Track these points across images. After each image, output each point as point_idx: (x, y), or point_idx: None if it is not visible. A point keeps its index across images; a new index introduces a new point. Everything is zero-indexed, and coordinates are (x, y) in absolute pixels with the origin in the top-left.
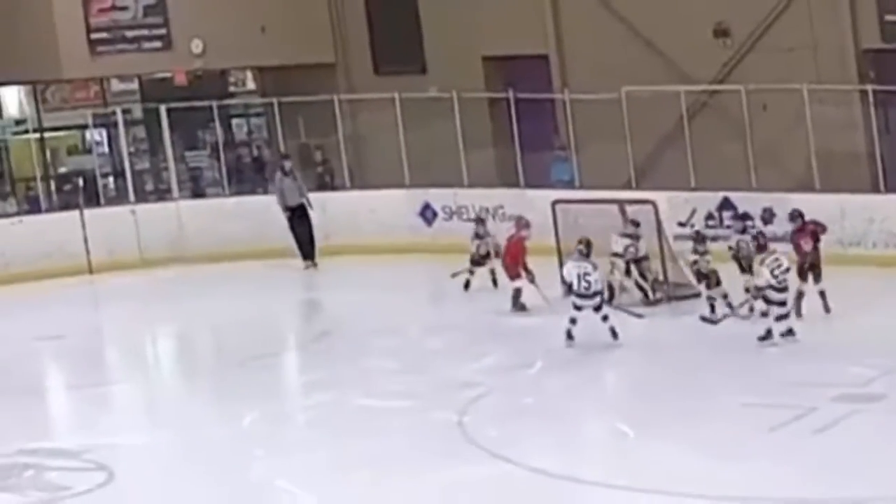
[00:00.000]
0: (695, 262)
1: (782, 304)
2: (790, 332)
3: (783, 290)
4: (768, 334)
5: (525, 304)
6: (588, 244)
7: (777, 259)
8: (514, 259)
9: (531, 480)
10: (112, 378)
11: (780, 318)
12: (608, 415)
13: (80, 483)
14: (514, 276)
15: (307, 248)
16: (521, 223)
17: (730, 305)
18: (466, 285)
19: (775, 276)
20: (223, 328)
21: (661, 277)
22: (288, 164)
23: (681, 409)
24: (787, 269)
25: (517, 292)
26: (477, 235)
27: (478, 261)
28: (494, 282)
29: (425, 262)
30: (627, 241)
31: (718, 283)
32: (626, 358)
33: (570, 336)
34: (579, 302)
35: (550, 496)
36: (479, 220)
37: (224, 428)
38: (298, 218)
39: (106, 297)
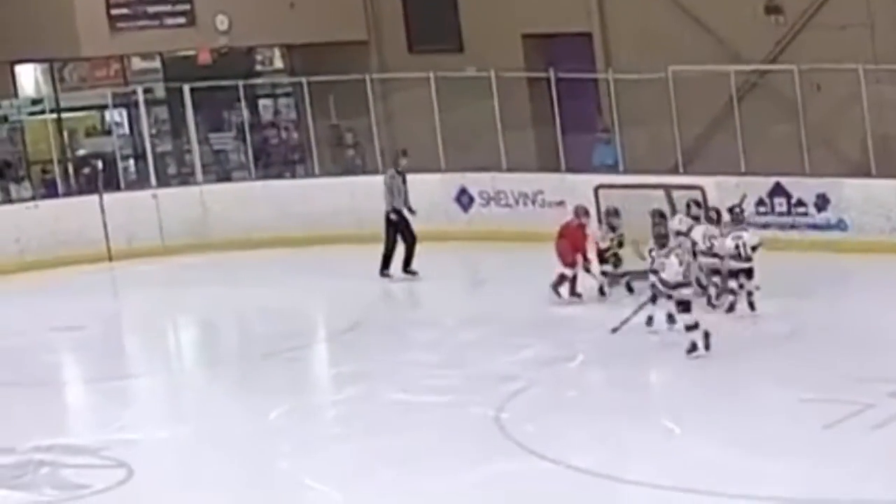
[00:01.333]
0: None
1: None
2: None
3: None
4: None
5: (580, 293)
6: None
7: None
8: (575, 245)
9: (571, 479)
10: (132, 371)
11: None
12: (653, 410)
13: (99, 481)
14: (570, 262)
15: (409, 256)
16: (581, 210)
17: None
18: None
19: (737, 248)
20: (248, 318)
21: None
22: (404, 162)
23: (730, 404)
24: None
25: (564, 279)
26: (612, 228)
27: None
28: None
29: (461, 250)
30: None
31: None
32: (672, 350)
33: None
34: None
35: (592, 496)
36: (615, 212)
37: (249, 423)
38: (406, 223)
39: (126, 285)
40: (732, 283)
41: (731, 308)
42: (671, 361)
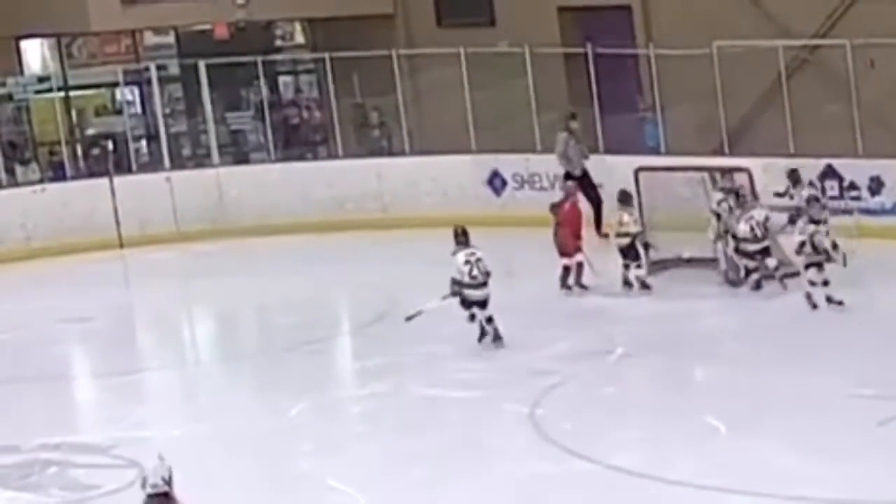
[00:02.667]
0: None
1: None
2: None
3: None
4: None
5: (587, 285)
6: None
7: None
8: (575, 231)
9: (610, 480)
10: (144, 365)
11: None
12: (697, 407)
13: (109, 481)
14: (574, 250)
15: (598, 218)
16: (572, 189)
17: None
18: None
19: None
20: (268, 309)
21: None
22: (574, 125)
23: (778, 400)
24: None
25: (569, 271)
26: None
27: None
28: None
29: (494, 236)
30: (720, 196)
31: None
32: (716, 343)
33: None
34: None
35: (632, 498)
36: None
37: (269, 421)
38: (586, 187)
39: (138, 274)
40: (748, 262)
41: (757, 286)
42: (715, 354)
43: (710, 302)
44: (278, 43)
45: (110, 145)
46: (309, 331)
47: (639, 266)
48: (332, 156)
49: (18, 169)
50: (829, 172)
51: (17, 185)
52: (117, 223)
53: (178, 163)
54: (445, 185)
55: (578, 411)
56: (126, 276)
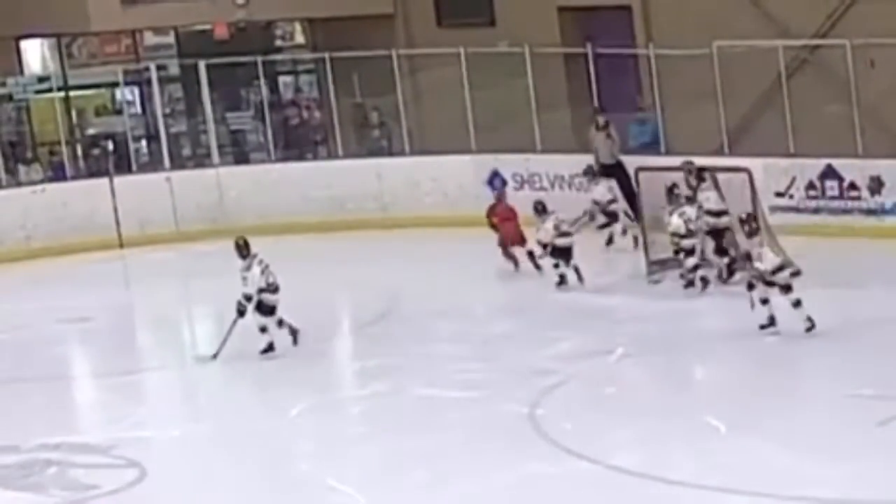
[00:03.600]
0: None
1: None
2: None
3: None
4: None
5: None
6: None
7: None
8: (515, 222)
9: (610, 480)
10: (144, 365)
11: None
12: (697, 407)
13: (109, 481)
14: (519, 241)
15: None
16: (502, 190)
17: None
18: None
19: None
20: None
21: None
22: (602, 119)
23: (779, 400)
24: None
25: (533, 253)
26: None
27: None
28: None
29: (493, 236)
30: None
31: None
32: (716, 343)
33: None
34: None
35: (633, 498)
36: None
37: (268, 421)
38: (623, 175)
39: (138, 273)
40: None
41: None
42: (715, 355)
43: (710, 302)
44: (278, 43)
45: (110, 145)
46: (308, 331)
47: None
48: (332, 156)
49: (21, 168)
50: (829, 173)
51: (17, 185)
52: (117, 223)
53: (178, 163)
54: (445, 185)
55: (578, 411)
56: (126, 275)
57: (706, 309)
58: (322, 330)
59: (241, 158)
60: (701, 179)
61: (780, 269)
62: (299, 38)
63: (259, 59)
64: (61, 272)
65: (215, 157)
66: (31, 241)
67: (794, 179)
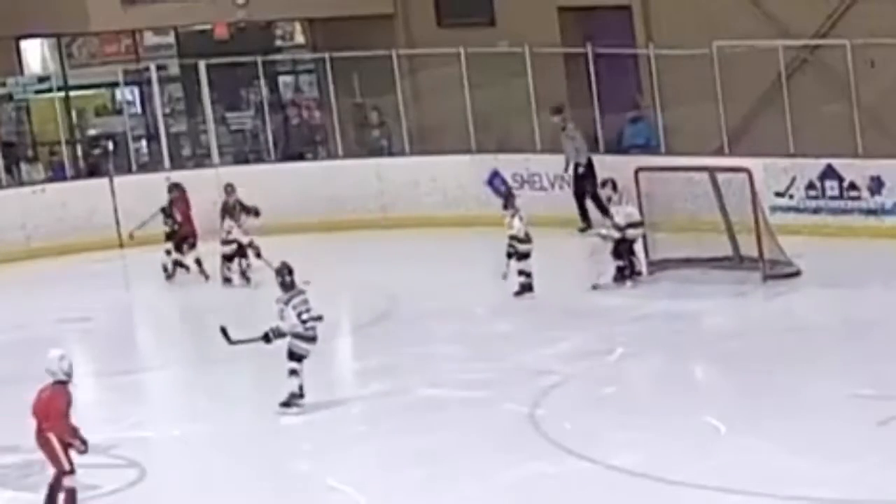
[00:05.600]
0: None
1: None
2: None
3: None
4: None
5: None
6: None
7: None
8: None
9: (610, 480)
10: (144, 365)
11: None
12: (697, 407)
13: (109, 482)
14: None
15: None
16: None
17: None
18: None
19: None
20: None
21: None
22: (559, 119)
23: (779, 400)
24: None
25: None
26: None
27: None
28: None
29: (492, 236)
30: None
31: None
32: (717, 343)
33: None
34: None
35: (632, 497)
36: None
37: (268, 421)
38: (577, 178)
39: (138, 274)
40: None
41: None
42: (715, 354)
43: (710, 302)
44: (278, 43)
45: (110, 145)
46: None
47: (520, 272)
48: (332, 155)
49: (24, 167)
50: (829, 173)
51: (17, 185)
52: (117, 223)
53: (178, 163)
54: (445, 185)
55: (578, 411)
56: (126, 276)
57: (706, 309)
58: (322, 329)
59: (242, 158)
60: (615, 191)
61: (632, 225)
62: (299, 38)
63: (259, 59)
64: (61, 272)
65: (215, 157)
66: (32, 241)
67: (794, 179)
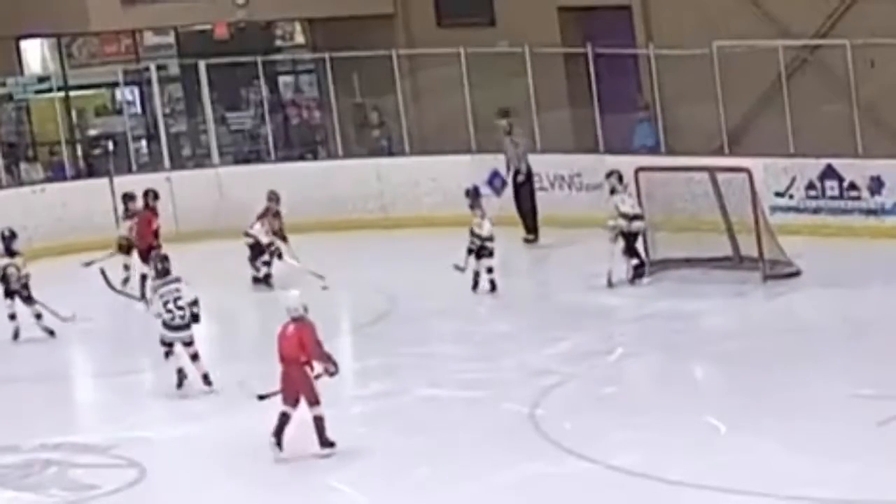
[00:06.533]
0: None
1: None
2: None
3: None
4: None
5: None
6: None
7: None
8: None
9: (610, 480)
10: (144, 365)
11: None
12: (697, 407)
13: (109, 481)
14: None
15: (528, 219)
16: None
17: None
18: None
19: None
20: (267, 309)
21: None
22: (505, 123)
23: (778, 400)
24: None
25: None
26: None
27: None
28: None
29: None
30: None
31: None
32: (717, 343)
33: None
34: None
35: (632, 497)
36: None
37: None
38: (517, 186)
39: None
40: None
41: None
42: (715, 354)
43: (710, 302)
44: (278, 43)
45: (110, 145)
46: None
47: (490, 269)
48: (332, 156)
49: (24, 167)
50: (829, 173)
51: (17, 185)
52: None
53: (178, 163)
54: (445, 185)
55: (578, 411)
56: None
57: (706, 309)
58: (321, 330)
59: (242, 158)
60: (620, 182)
61: (637, 216)
62: (299, 38)
63: (259, 59)
64: (61, 273)
65: (215, 157)
66: (31, 242)
67: (794, 179)
